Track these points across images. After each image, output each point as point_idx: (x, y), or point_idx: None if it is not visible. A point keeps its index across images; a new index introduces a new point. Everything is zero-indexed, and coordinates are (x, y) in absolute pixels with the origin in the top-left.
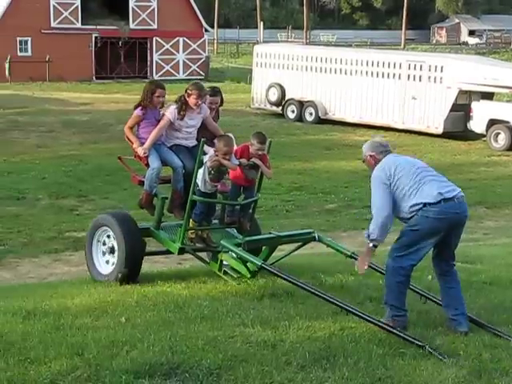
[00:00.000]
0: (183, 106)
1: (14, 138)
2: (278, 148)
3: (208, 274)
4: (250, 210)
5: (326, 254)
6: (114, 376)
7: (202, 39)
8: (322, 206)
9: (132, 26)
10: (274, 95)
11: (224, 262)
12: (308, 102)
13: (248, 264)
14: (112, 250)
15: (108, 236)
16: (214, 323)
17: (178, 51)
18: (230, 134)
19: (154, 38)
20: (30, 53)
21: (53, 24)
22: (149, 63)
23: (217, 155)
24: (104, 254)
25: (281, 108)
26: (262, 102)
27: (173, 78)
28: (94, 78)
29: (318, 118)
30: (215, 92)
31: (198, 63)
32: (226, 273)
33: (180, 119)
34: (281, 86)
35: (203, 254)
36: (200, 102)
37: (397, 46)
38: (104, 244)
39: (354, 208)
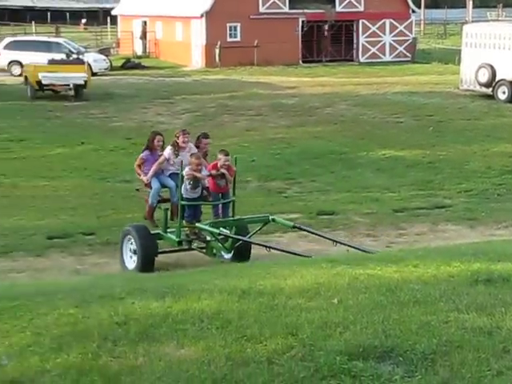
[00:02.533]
0: (175, 147)
1: (224, 121)
2: (487, 130)
3: (419, 257)
4: (230, 209)
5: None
6: (328, 357)
7: (409, 20)
8: None
9: (338, 8)
10: (483, 76)
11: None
12: None
13: (225, 245)
14: (135, 252)
15: (132, 242)
16: (427, 307)
17: (384, 33)
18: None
19: (361, 21)
20: (238, 38)
21: (261, 9)
22: (355, 46)
23: (191, 169)
24: (130, 254)
25: (491, 89)
26: (472, 83)
27: (379, 60)
28: (300, 61)
29: None
30: (207, 135)
31: (405, 45)
32: (214, 255)
33: (175, 156)
34: (491, 67)
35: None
36: (186, 139)
37: None
38: (130, 247)
39: None
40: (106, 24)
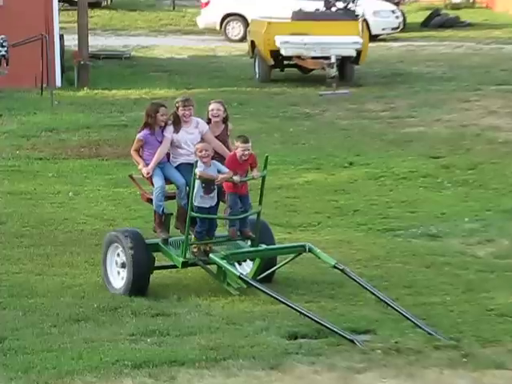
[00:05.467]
0: (176, 120)
1: None
2: None
3: None
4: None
5: None
6: None
7: None
8: None
9: None
10: None
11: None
12: None
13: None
14: (123, 265)
15: (119, 252)
16: None
17: None
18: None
19: None
20: None
21: None
22: None
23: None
24: (117, 269)
25: None
26: None
27: None
28: None
29: None
30: (216, 101)
31: None
32: (228, 284)
33: (176, 132)
34: None
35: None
36: (188, 113)
37: None
38: (117, 259)
39: None
40: None
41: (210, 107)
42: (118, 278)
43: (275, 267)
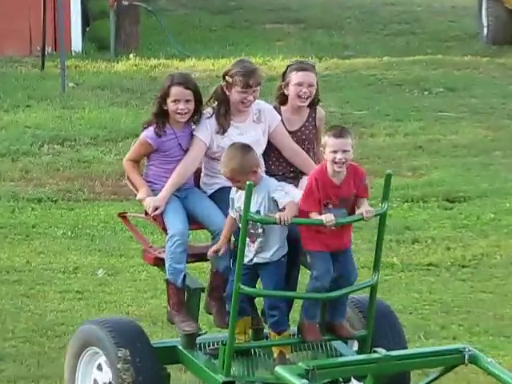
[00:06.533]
0: (222, 108)
1: None
2: None
3: None
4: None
5: None
6: None
7: None
8: None
9: None
10: None
11: None
12: None
13: None
14: None
15: (100, 363)
16: None
17: None
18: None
19: None
20: None
21: None
22: None
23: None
24: None
25: None
26: None
27: None
28: None
29: None
30: (307, 66)
31: None
32: None
33: (220, 133)
34: None
35: None
36: (251, 98)
37: None
38: (95, 376)
39: None
40: None
41: (295, 78)
42: None
43: None
